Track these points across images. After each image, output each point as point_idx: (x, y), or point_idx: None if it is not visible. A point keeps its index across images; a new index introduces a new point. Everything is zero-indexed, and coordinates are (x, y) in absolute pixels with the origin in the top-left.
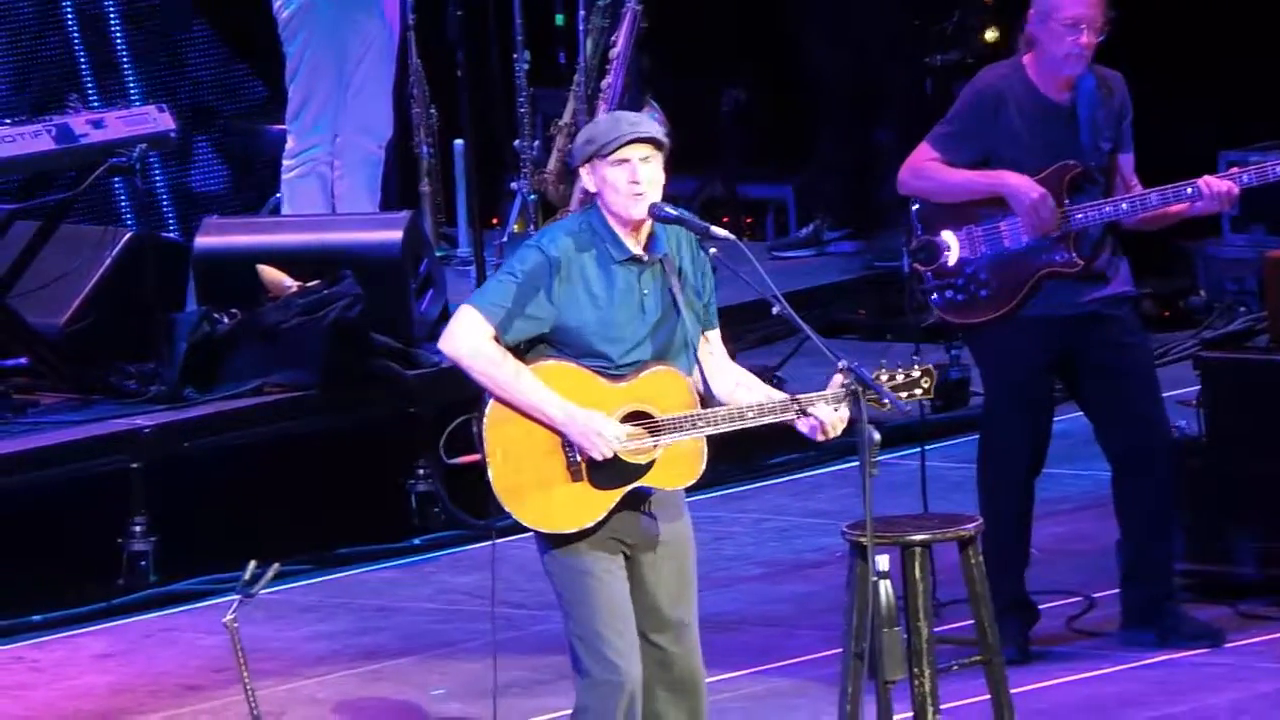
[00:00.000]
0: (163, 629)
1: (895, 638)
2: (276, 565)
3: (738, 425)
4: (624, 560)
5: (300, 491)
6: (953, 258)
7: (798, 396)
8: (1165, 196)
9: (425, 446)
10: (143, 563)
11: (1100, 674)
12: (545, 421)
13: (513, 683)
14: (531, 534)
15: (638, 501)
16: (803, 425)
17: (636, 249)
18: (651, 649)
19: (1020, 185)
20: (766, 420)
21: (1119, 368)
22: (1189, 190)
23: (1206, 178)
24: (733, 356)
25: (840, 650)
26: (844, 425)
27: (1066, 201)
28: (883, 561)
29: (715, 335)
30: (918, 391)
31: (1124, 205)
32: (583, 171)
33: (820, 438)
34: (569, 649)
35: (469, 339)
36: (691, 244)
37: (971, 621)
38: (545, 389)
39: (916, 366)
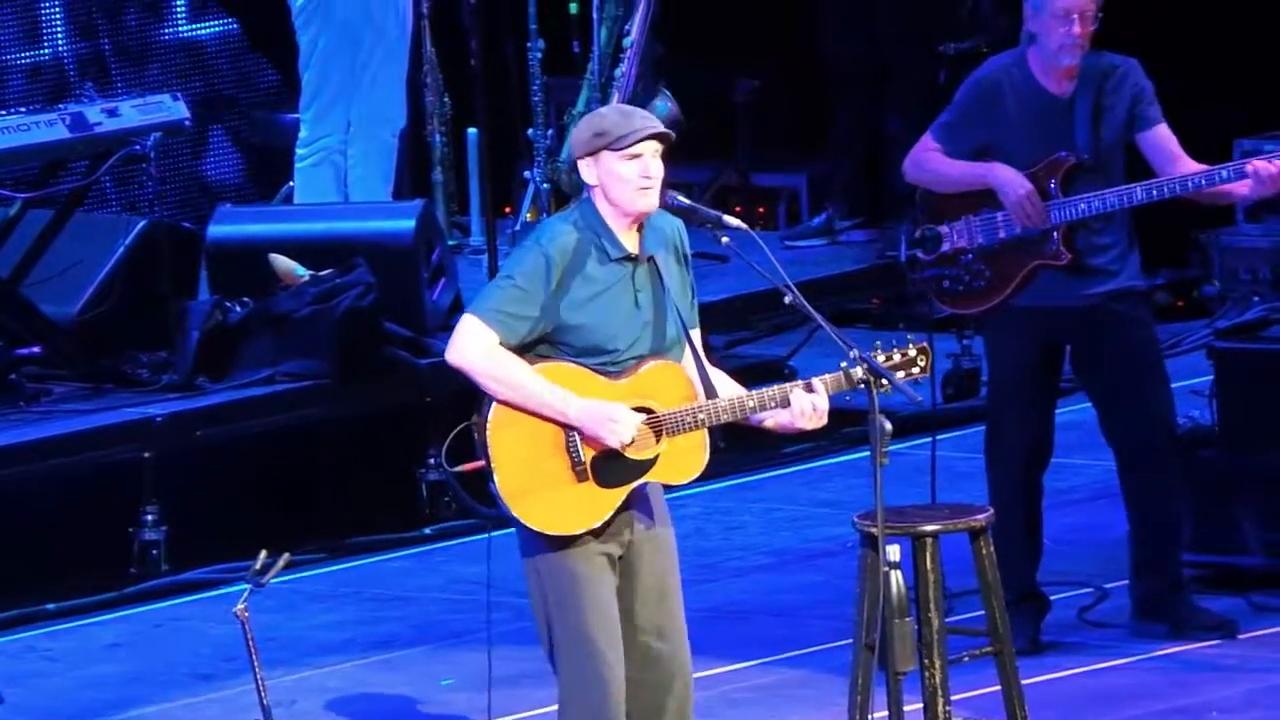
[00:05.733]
0: (174, 618)
1: (906, 628)
2: (287, 555)
3: (738, 417)
4: (614, 564)
5: (311, 481)
6: (949, 247)
7: (793, 383)
8: (1149, 191)
9: (437, 436)
10: (154, 552)
11: (1112, 665)
12: (559, 420)
13: (522, 674)
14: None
15: (632, 501)
16: (785, 415)
17: (631, 247)
18: (639, 645)
19: (1008, 179)
20: (766, 411)
21: (1122, 363)
22: (1204, 179)
23: (1255, 162)
24: (744, 345)
25: (850, 641)
26: (825, 409)
27: (1062, 195)
28: (893, 552)
29: (696, 334)
30: (915, 370)
31: (1111, 199)
32: (583, 163)
33: (808, 424)
34: (551, 651)
35: (475, 348)
36: (678, 242)
37: (982, 612)
38: (556, 388)
39: (912, 345)
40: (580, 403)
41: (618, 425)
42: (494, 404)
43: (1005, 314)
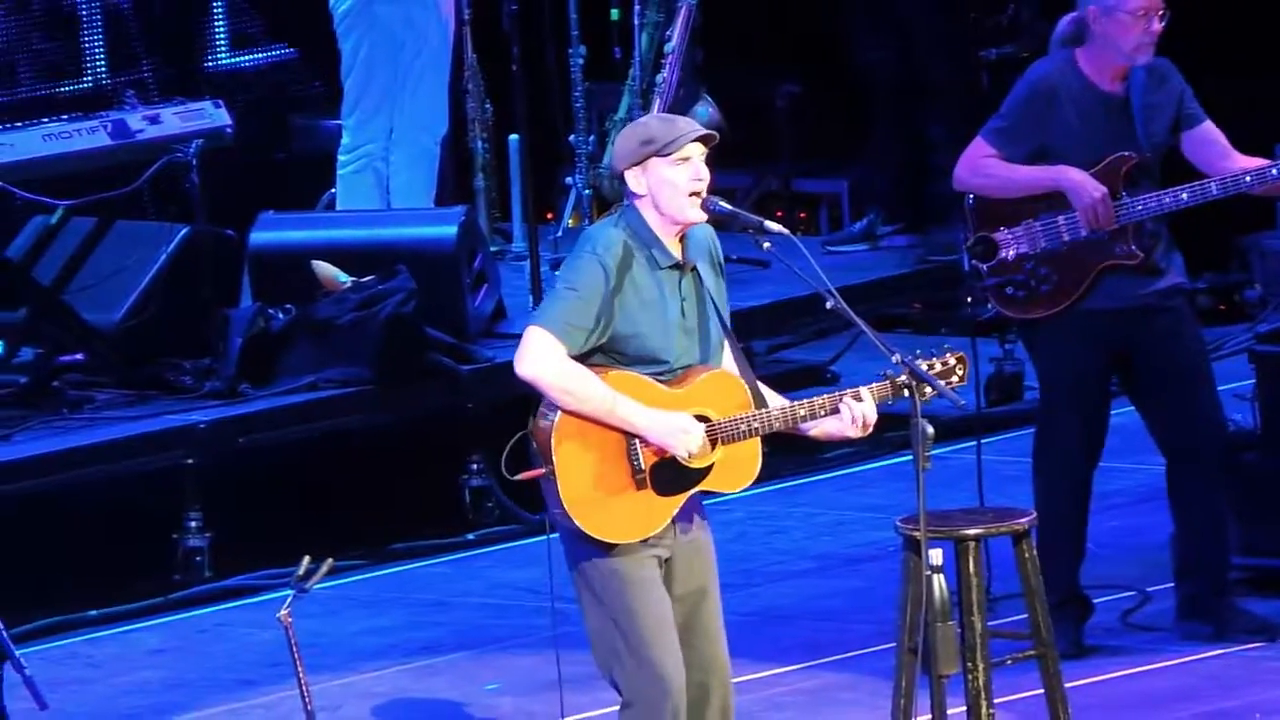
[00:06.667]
0: (217, 624)
1: (949, 632)
2: (330, 560)
3: (789, 425)
4: (663, 567)
5: (354, 487)
6: (1012, 253)
7: (841, 392)
8: (1225, 186)
9: (480, 442)
10: (198, 558)
11: (1154, 668)
12: (626, 429)
13: (567, 677)
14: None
15: (682, 507)
16: (833, 424)
17: (678, 255)
18: (683, 646)
19: (1080, 181)
20: (816, 420)
21: (1172, 362)
22: (1275, 172)
23: None
24: (786, 350)
25: (893, 644)
26: (874, 418)
27: (1123, 193)
28: (936, 555)
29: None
30: (954, 379)
31: (1184, 195)
32: (630, 174)
33: (856, 433)
34: (609, 657)
35: (547, 361)
36: (714, 251)
37: (1025, 616)
38: (625, 398)
39: (950, 354)
40: (650, 413)
41: (688, 436)
42: (559, 413)
43: (1069, 318)
